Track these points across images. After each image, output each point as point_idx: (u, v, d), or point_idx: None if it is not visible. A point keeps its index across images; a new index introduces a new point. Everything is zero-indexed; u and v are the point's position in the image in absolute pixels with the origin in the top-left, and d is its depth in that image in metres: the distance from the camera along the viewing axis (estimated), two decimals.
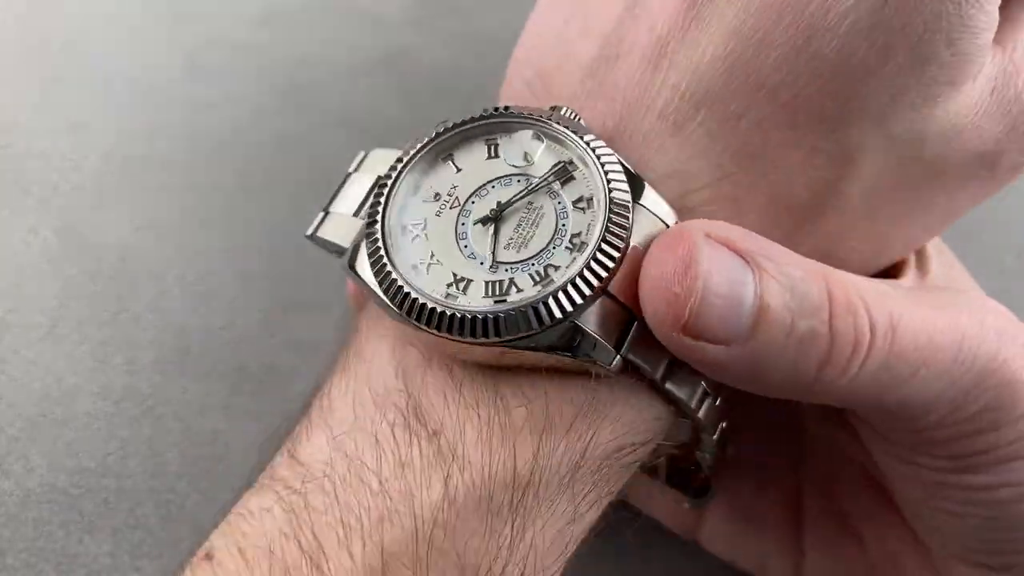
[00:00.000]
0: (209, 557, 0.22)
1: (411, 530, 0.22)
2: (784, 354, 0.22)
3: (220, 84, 0.44)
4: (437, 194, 0.25)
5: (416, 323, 0.23)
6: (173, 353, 0.38)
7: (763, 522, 0.32)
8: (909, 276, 0.28)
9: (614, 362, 0.22)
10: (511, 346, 0.22)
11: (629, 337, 0.22)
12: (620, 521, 0.32)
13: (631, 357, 0.22)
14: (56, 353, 0.38)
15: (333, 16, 0.47)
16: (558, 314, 0.22)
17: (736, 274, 0.21)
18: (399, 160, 0.25)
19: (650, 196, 0.23)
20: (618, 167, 0.23)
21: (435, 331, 0.22)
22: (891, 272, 0.28)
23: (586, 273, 0.22)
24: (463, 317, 0.22)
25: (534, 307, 0.22)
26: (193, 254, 0.40)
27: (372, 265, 0.23)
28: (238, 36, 0.46)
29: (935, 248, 0.28)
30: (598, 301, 0.22)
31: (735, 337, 0.21)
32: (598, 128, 0.25)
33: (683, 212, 0.24)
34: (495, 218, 0.24)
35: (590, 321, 0.22)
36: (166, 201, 0.41)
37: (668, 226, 0.23)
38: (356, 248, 0.24)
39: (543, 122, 0.24)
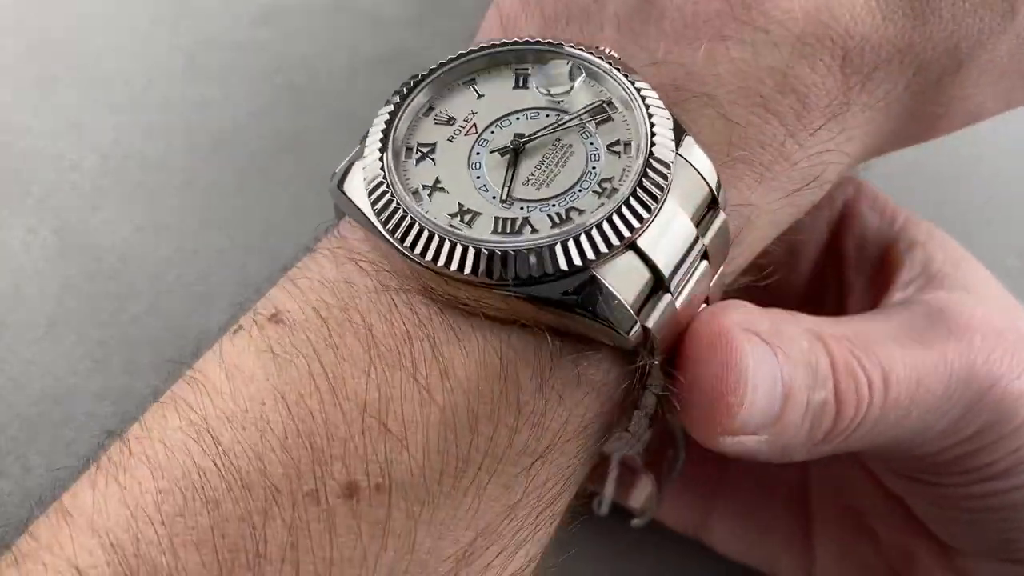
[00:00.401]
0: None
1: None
2: (800, 429, 0.22)
3: (220, 84, 0.44)
4: (452, 118, 0.22)
5: (411, 253, 0.20)
6: (172, 353, 0.38)
7: (771, 522, 0.32)
8: (898, 288, 0.27)
9: (633, 331, 0.20)
10: (519, 293, 0.19)
11: (658, 314, 0.20)
12: (621, 518, 0.32)
13: (653, 332, 0.20)
14: (55, 353, 0.38)
15: (333, 16, 0.47)
16: (577, 260, 0.19)
17: (770, 367, 0.21)
18: (414, 77, 0.22)
19: (691, 148, 0.21)
20: (665, 113, 0.21)
21: (433, 265, 0.20)
22: (885, 277, 0.28)
23: (615, 219, 0.20)
24: (466, 248, 0.19)
25: (551, 248, 0.19)
26: (193, 254, 0.40)
27: (368, 184, 0.21)
28: (238, 36, 0.46)
29: (940, 246, 0.28)
30: (625, 260, 0.20)
31: (766, 426, 0.21)
32: None
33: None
34: (516, 149, 0.21)
35: (612, 279, 0.20)
36: (165, 201, 0.41)
37: (709, 185, 0.21)
38: (348, 168, 0.22)
39: (583, 56, 0.22)
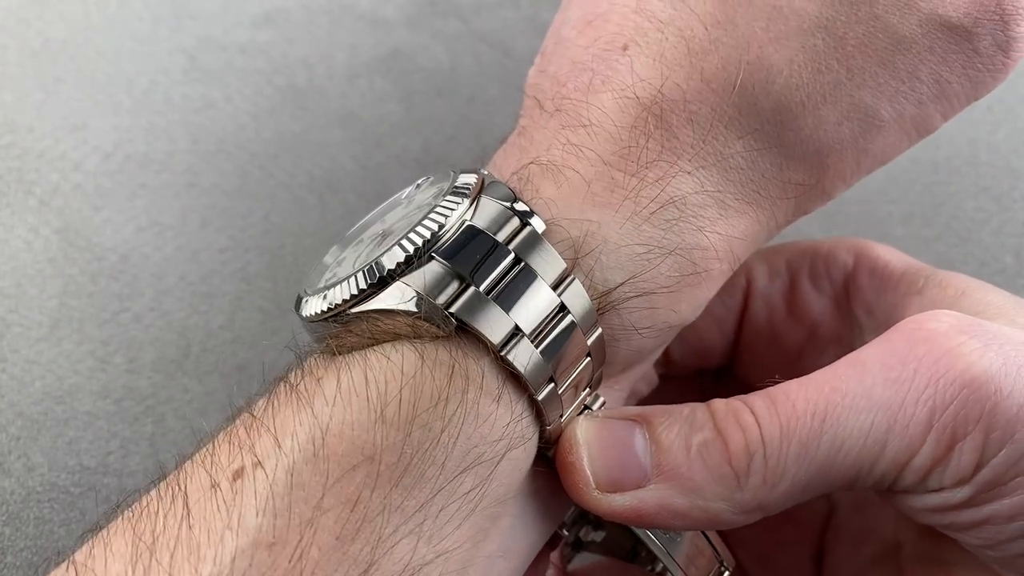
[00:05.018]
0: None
1: None
2: (694, 469, 0.23)
3: (220, 84, 0.45)
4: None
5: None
6: (174, 352, 0.38)
7: None
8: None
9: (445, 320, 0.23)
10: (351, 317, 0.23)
11: (462, 299, 0.22)
12: None
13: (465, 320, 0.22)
14: (57, 352, 0.38)
15: (333, 16, 0.47)
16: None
17: (617, 429, 0.24)
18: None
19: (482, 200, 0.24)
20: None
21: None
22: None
23: (395, 249, 0.23)
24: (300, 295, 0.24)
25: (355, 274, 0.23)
26: (193, 254, 0.41)
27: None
28: (238, 36, 0.46)
29: (939, 283, 0.27)
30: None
31: (643, 476, 0.23)
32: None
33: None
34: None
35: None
36: (166, 201, 0.42)
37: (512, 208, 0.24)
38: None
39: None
